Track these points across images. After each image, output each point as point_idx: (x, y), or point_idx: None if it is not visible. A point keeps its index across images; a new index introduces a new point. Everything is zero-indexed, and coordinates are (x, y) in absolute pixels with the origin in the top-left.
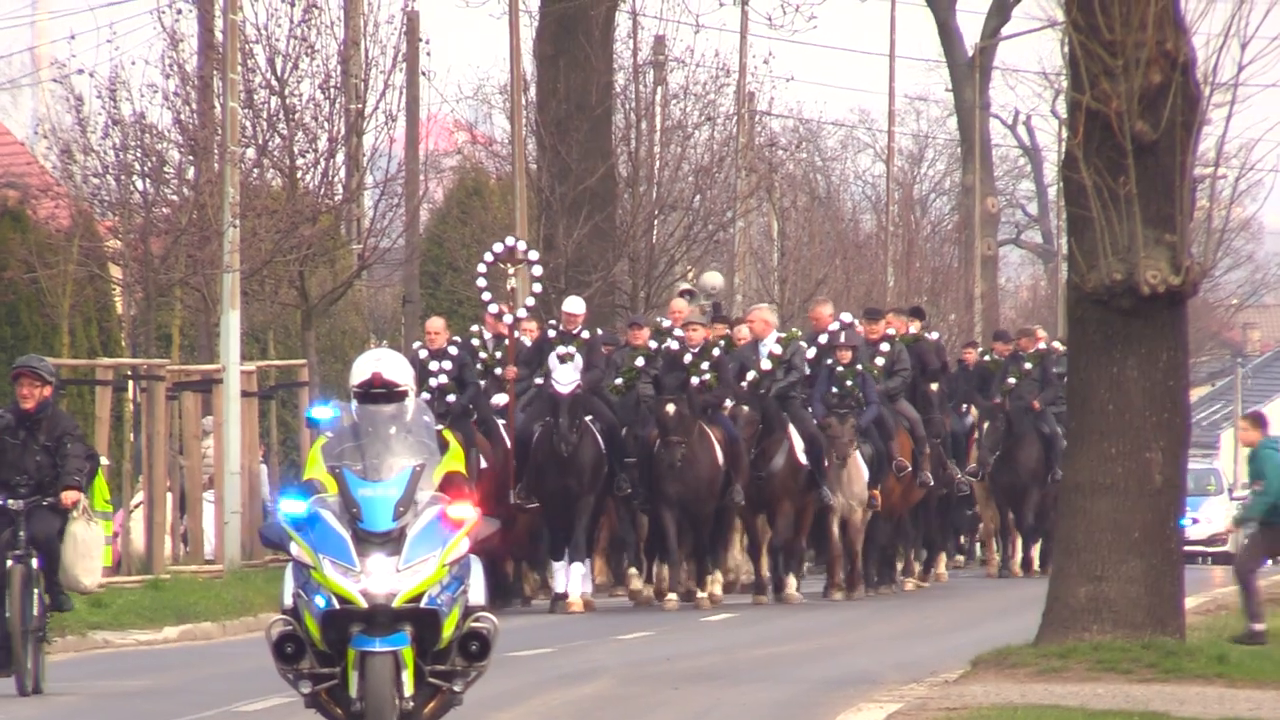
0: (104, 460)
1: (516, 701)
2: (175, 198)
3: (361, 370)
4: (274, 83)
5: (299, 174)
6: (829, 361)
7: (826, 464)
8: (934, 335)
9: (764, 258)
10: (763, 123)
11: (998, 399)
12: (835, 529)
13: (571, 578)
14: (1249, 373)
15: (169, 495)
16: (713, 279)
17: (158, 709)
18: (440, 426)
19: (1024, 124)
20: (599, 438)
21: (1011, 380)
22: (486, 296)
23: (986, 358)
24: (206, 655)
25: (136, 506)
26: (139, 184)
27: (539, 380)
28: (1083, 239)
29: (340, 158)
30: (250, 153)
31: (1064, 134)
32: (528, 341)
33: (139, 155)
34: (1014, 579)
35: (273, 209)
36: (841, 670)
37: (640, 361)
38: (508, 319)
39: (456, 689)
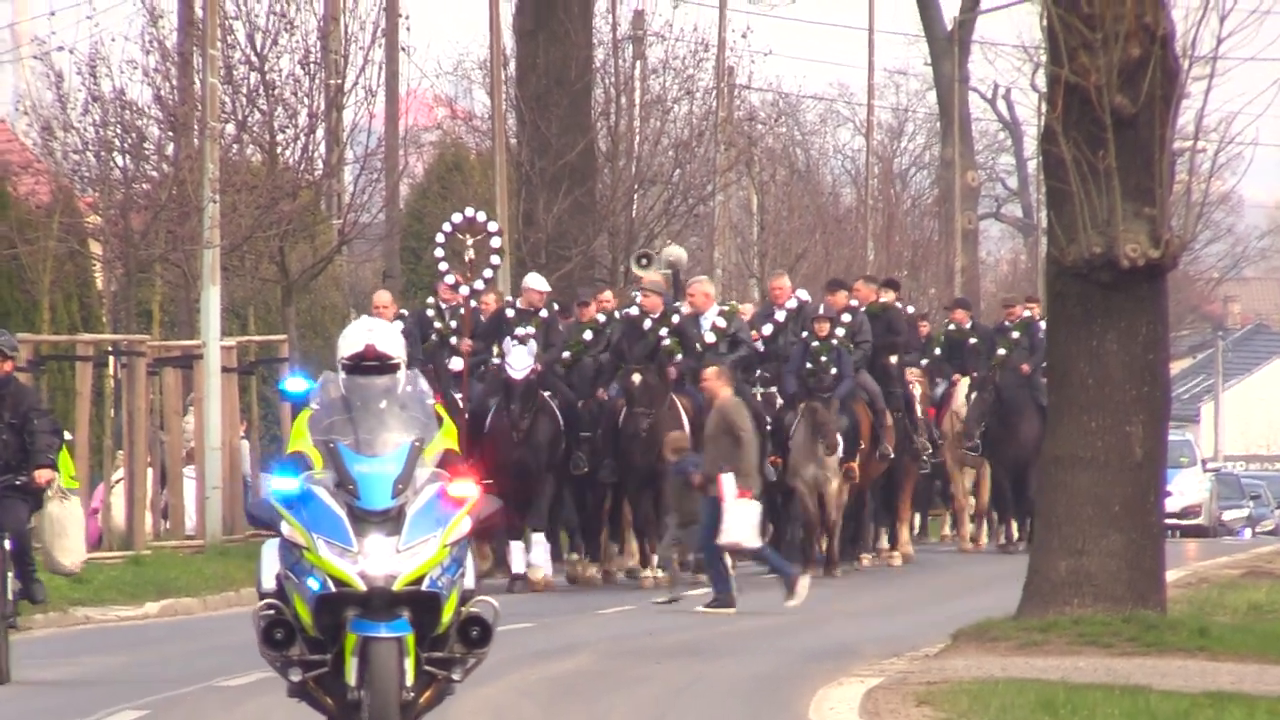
0: (67, 435)
1: (496, 677)
2: (155, 174)
3: (353, 342)
4: (254, 58)
5: (279, 149)
6: (804, 335)
7: (804, 441)
8: (910, 309)
9: (744, 232)
10: (742, 97)
11: (989, 372)
12: (811, 505)
13: (534, 555)
14: (1229, 346)
15: (150, 471)
16: (675, 253)
17: (139, 685)
18: (431, 400)
19: (1003, 98)
20: (557, 413)
21: (1002, 351)
22: (444, 267)
23: (951, 327)
24: (188, 631)
25: (117, 482)
26: (119, 160)
27: (495, 360)
28: (1062, 213)
29: (320, 133)
30: (230, 128)
31: (1043, 108)
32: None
33: (119, 132)
34: (986, 553)
35: (253, 184)
36: (821, 644)
37: (588, 335)
38: (463, 290)
39: (455, 677)
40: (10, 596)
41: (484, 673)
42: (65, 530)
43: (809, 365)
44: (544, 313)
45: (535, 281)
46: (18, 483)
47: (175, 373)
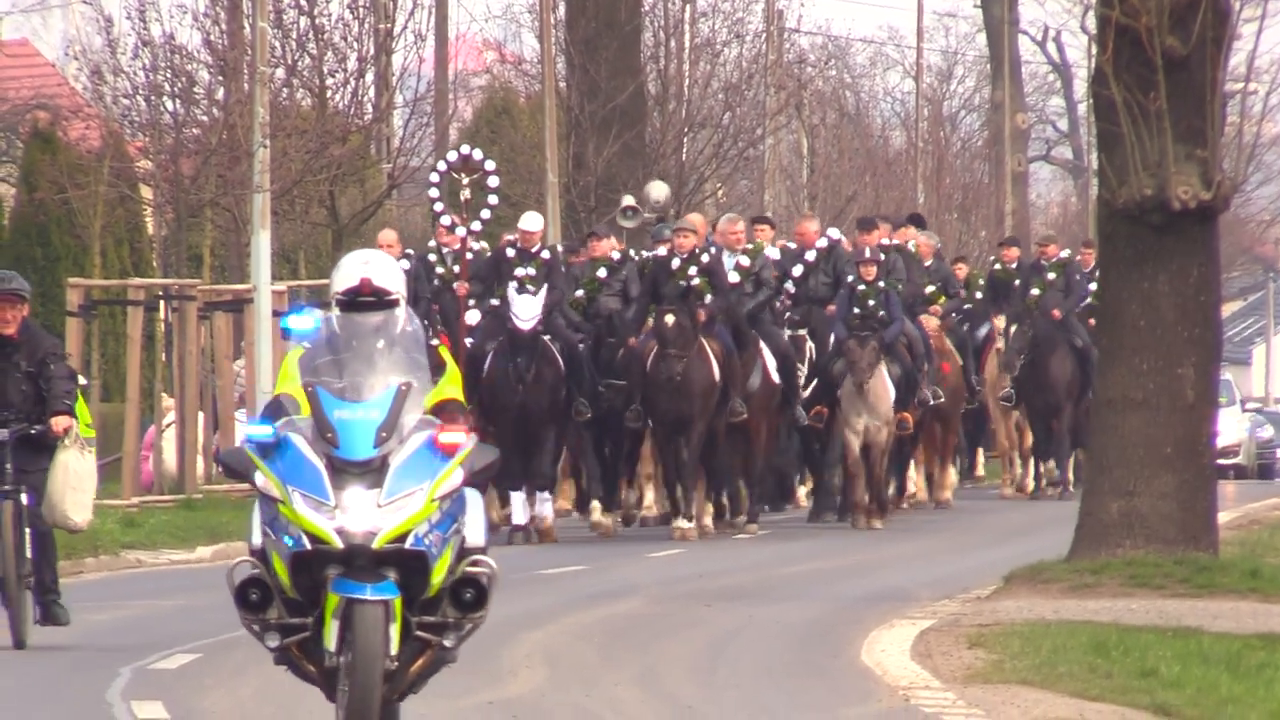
0: (82, 380)
1: (548, 620)
2: (205, 118)
3: (347, 275)
4: (303, 2)
5: (328, 94)
6: (850, 279)
7: (843, 384)
8: (935, 243)
9: (794, 175)
10: (791, 40)
11: (1024, 308)
12: (855, 454)
13: (538, 507)
14: None
15: (201, 415)
16: (658, 190)
17: (192, 628)
18: (436, 342)
19: (1053, 40)
20: (558, 358)
21: (1035, 292)
22: (439, 208)
23: (997, 266)
24: None
25: (169, 426)
26: (169, 105)
27: (494, 301)
28: (1113, 155)
29: (370, 77)
30: (280, 73)
31: (1094, 50)
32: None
33: (169, 76)
34: (1031, 497)
35: (302, 129)
36: (873, 587)
37: (602, 273)
38: (460, 231)
39: (447, 644)
40: (29, 554)
41: (536, 616)
42: (81, 484)
43: (856, 310)
44: (545, 253)
45: (529, 221)
46: (33, 431)
47: (226, 317)
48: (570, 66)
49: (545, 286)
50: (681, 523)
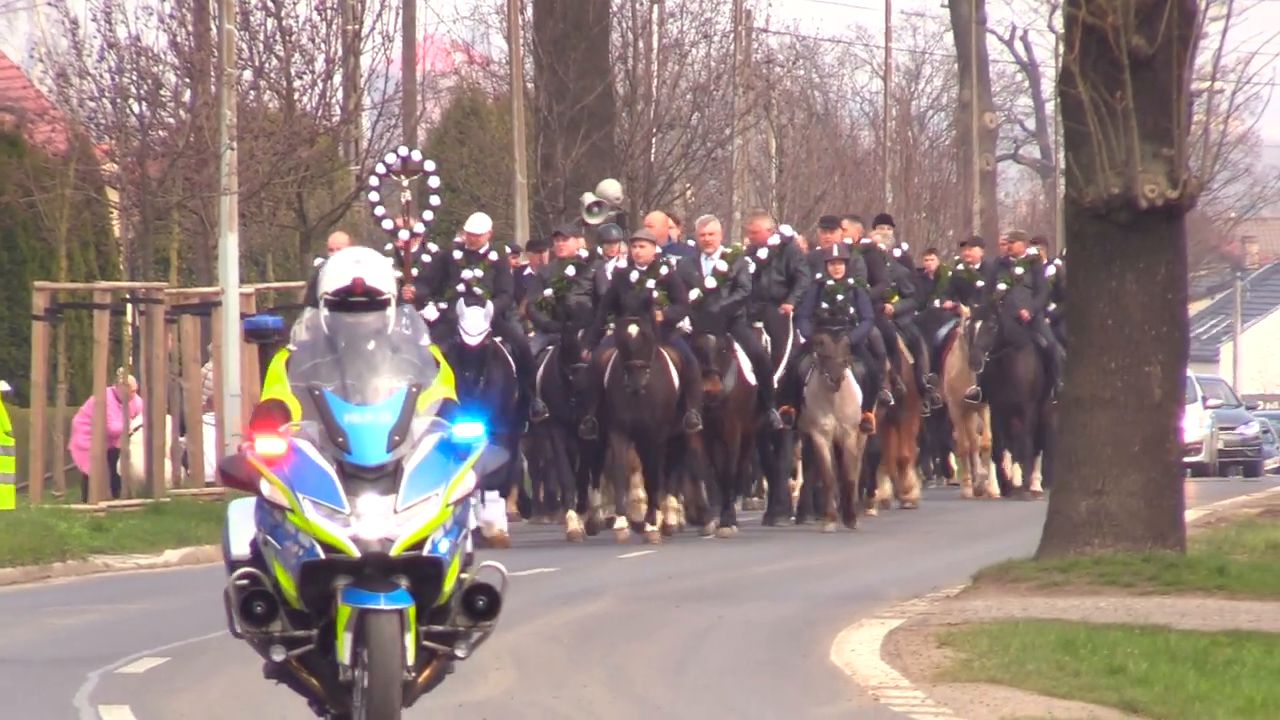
0: (3, 385)
1: (520, 621)
2: (172, 120)
3: (338, 275)
4: (270, 4)
5: (296, 96)
6: (819, 275)
7: (806, 385)
8: (903, 246)
9: (762, 175)
10: (760, 40)
11: (991, 304)
12: (827, 455)
13: (490, 511)
14: (1248, 286)
15: (169, 419)
16: (611, 188)
17: (160, 632)
18: (429, 342)
19: (1021, 39)
20: (510, 361)
21: (1002, 286)
22: (380, 211)
23: (960, 266)
24: (208, 579)
25: (136, 430)
26: (135, 107)
27: (443, 304)
28: (1080, 154)
29: (337, 79)
30: (247, 75)
31: (1061, 49)
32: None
33: (135, 78)
34: (1002, 497)
35: (270, 131)
36: (843, 586)
37: (570, 271)
38: (403, 235)
39: (459, 654)
40: None
41: (507, 617)
42: None
43: (825, 306)
44: (493, 254)
45: (475, 224)
46: None
47: (193, 320)
48: (538, 67)
49: (493, 294)
50: (625, 526)
